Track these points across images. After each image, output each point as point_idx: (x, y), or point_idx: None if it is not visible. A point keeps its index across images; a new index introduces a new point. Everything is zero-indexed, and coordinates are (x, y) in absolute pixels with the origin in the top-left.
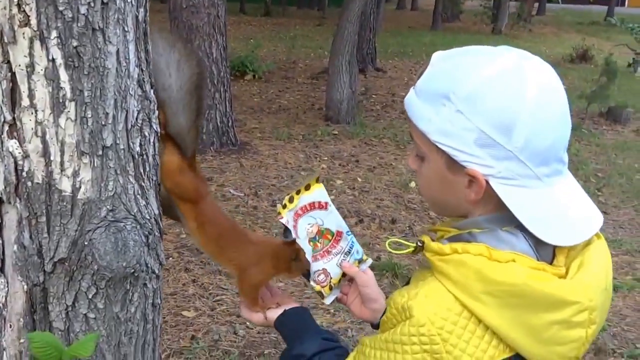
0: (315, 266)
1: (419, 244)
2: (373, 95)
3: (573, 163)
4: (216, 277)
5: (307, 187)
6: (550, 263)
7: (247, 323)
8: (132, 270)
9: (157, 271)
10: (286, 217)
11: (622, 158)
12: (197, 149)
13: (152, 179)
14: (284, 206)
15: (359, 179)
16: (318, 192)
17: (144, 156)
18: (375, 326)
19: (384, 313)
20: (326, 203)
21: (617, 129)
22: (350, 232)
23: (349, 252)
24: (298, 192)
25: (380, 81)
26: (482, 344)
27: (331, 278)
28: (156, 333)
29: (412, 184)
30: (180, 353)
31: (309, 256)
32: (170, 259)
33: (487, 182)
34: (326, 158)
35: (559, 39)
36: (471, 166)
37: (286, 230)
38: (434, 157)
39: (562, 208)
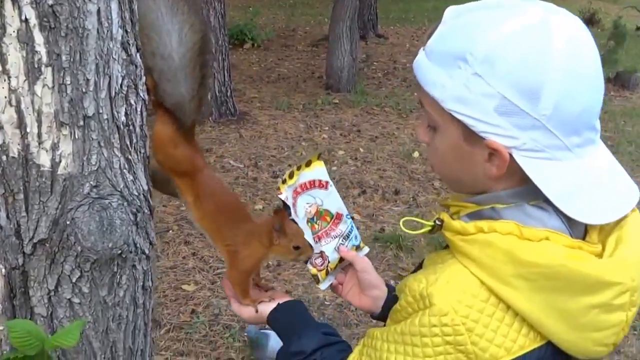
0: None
1: (437, 222)
2: (374, 63)
3: None
4: (216, 250)
5: (308, 164)
6: (583, 239)
7: None
8: (119, 251)
9: (147, 251)
10: (285, 194)
11: (631, 125)
12: (198, 120)
13: (140, 152)
14: (284, 181)
15: (361, 149)
16: (318, 170)
17: (131, 127)
18: (377, 316)
19: (386, 301)
20: (327, 182)
21: (625, 95)
22: (350, 216)
23: (348, 237)
24: (299, 168)
25: (381, 48)
26: (511, 333)
27: (329, 262)
28: (147, 317)
29: (416, 154)
30: (180, 328)
31: (308, 237)
32: (170, 231)
33: (510, 155)
34: (327, 128)
35: (564, 2)
36: (491, 137)
37: (285, 207)
38: (448, 127)
39: (595, 182)
